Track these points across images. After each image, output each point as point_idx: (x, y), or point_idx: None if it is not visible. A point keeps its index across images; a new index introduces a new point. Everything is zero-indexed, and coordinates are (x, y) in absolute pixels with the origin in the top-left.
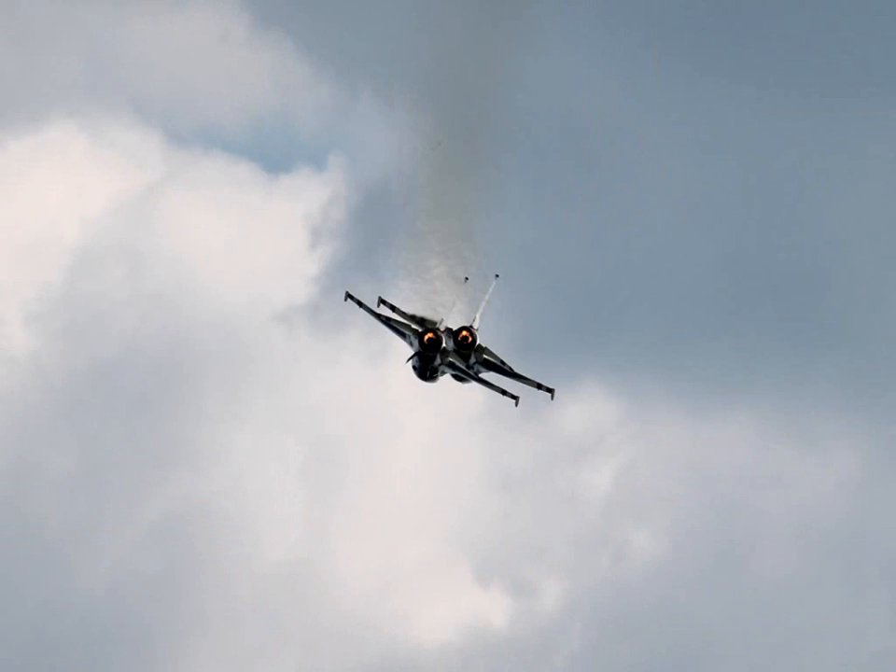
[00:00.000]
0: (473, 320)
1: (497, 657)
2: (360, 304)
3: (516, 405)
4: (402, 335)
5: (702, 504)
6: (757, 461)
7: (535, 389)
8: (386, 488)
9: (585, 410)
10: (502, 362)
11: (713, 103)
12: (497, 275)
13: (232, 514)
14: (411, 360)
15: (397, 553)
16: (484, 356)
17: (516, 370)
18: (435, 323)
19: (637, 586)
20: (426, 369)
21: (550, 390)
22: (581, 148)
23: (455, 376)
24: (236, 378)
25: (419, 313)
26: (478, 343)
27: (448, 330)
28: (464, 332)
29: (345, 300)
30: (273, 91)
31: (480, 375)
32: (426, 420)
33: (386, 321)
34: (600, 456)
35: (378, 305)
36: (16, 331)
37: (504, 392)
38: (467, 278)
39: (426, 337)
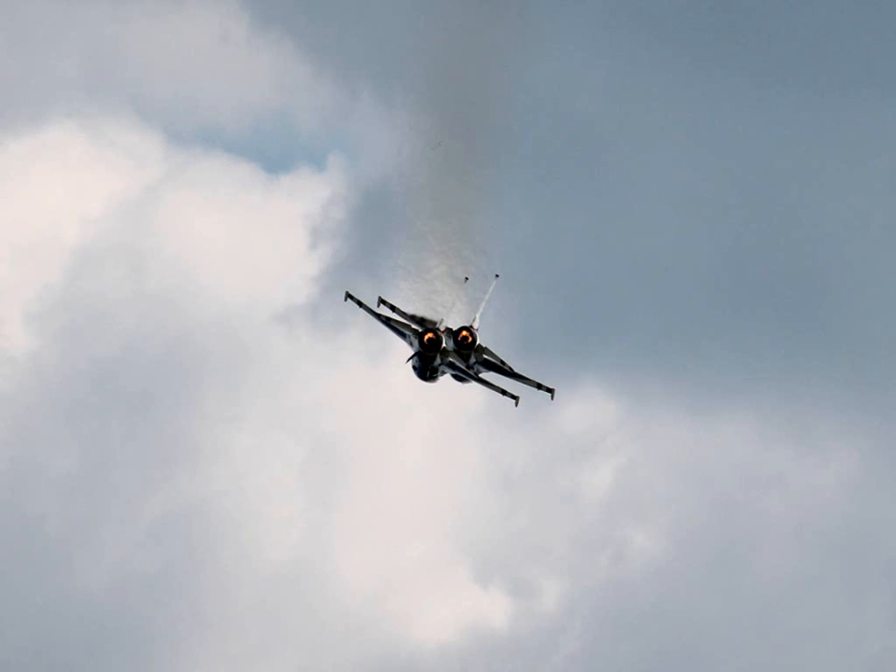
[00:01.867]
0: (473, 320)
1: (497, 657)
2: (360, 304)
3: (516, 405)
4: (402, 335)
5: (702, 504)
6: (757, 461)
7: (535, 389)
8: (386, 488)
9: (585, 410)
10: (502, 362)
11: (713, 102)
12: (497, 275)
13: (232, 514)
14: (411, 360)
15: (397, 553)
16: (484, 356)
17: (516, 370)
18: (435, 323)
19: (637, 586)
20: (426, 369)
21: (550, 390)
22: (581, 148)
23: (455, 376)
24: (236, 378)
25: (419, 313)
26: (478, 342)
27: (448, 330)
28: (464, 332)
29: (345, 300)
30: (273, 91)
31: (480, 375)
32: (426, 420)
33: (386, 321)
34: (600, 456)
35: (378, 305)
36: (16, 331)
37: (504, 392)
38: (467, 278)
39: (426, 337)
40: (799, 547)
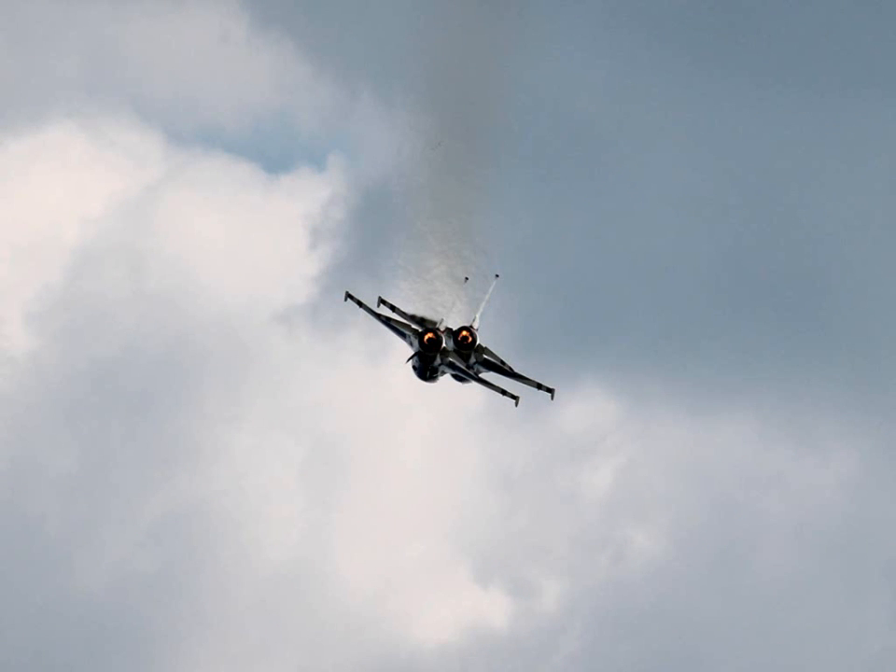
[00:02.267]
0: (473, 320)
1: (497, 657)
2: (360, 304)
3: (516, 405)
4: (402, 335)
5: (702, 504)
6: (757, 461)
7: (535, 389)
8: (386, 488)
9: (585, 410)
10: (502, 362)
11: (713, 102)
12: (497, 275)
13: (232, 514)
14: (411, 360)
15: (397, 553)
16: (484, 356)
17: (516, 370)
18: (435, 323)
19: (637, 586)
20: (426, 369)
21: (550, 390)
22: (581, 148)
23: (455, 376)
24: (236, 378)
25: (419, 313)
26: (478, 342)
27: (448, 330)
28: (464, 332)
29: (345, 300)
30: (273, 91)
31: (480, 375)
32: (426, 420)
33: (386, 321)
34: (600, 456)
35: (378, 305)
36: (16, 331)
37: (504, 392)
38: (467, 278)
39: (426, 337)
40: (799, 547)
